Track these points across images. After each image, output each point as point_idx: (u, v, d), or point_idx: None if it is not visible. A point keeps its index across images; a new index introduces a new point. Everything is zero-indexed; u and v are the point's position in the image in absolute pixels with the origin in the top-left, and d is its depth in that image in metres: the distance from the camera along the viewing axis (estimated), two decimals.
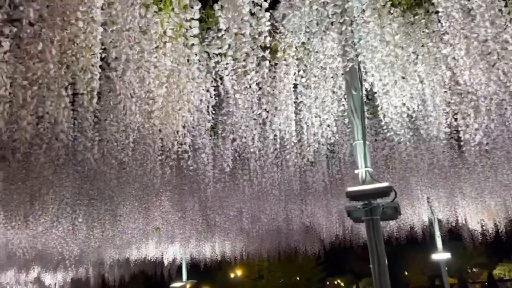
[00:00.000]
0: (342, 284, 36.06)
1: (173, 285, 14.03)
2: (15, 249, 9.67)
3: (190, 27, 3.49)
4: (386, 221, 4.51)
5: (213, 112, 4.59)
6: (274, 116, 4.41)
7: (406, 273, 31.35)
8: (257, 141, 4.89)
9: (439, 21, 3.66)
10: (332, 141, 4.98)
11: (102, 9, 2.99)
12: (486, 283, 26.89)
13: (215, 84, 4.26)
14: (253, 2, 3.13)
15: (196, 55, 3.76)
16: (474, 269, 33.11)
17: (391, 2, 3.72)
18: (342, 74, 4.06)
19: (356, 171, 3.70)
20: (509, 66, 3.47)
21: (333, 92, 4.37)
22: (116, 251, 11.89)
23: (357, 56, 3.68)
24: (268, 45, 3.51)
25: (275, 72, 4.21)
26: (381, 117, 4.23)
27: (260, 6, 3.16)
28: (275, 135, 4.65)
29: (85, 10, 2.88)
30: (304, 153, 4.85)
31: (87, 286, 18.52)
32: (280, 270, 28.01)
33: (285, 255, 16.65)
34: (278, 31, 3.86)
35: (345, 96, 4.18)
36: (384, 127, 4.36)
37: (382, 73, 3.92)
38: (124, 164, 5.10)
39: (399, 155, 6.24)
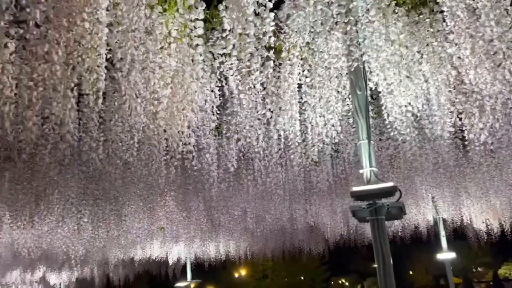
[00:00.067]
0: (347, 283, 35.97)
1: (177, 284, 14.08)
2: (21, 249, 9.72)
3: (195, 27, 3.50)
4: (391, 220, 4.50)
5: (218, 112, 4.60)
6: (279, 116, 4.42)
7: (411, 272, 31.24)
8: (262, 141, 4.89)
9: (444, 21, 3.66)
10: (336, 140, 4.99)
11: (107, 10, 3.00)
12: (491, 283, 26.79)
13: (219, 84, 4.27)
14: (257, 2, 3.12)
15: (200, 55, 3.76)
16: (479, 269, 32.97)
17: (395, 2, 3.71)
18: (347, 73, 4.06)
19: (360, 171, 3.70)
20: None
21: (338, 91, 4.37)
22: (121, 250, 11.92)
23: (361, 55, 3.68)
24: (272, 45, 3.50)
25: (279, 72, 4.21)
26: (386, 116, 4.23)
27: (265, 6, 3.15)
28: (280, 135, 4.66)
29: (90, 11, 2.89)
30: (308, 153, 4.85)
31: (92, 286, 18.57)
32: (285, 269, 27.96)
33: (289, 255, 16.64)
34: (282, 31, 3.86)
35: (350, 96, 4.18)
36: (389, 126, 4.36)
37: (387, 72, 3.91)
38: (129, 164, 5.13)
39: (403, 155, 6.23)
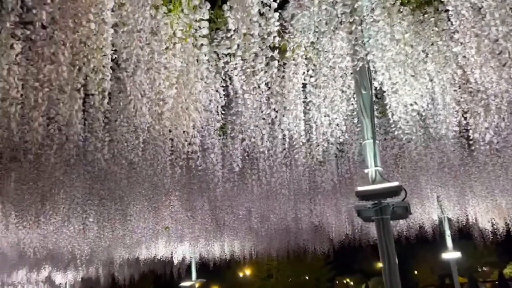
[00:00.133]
0: (351, 283, 35.94)
1: (182, 284, 14.11)
2: (27, 249, 9.77)
3: (200, 27, 3.50)
4: (396, 220, 4.50)
5: (222, 112, 4.60)
6: (283, 116, 4.42)
7: (416, 272, 31.18)
8: (266, 141, 4.89)
9: (449, 20, 3.66)
10: (341, 140, 4.98)
11: (112, 10, 3.01)
12: (496, 282, 26.71)
13: (224, 84, 4.27)
14: (262, 2, 3.13)
15: (205, 55, 3.76)
16: (485, 268, 32.87)
17: (400, 1, 3.71)
18: (351, 73, 4.05)
19: (365, 171, 3.70)
20: None
21: (342, 91, 4.37)
22: (126, 250, 11.96)
23: (366, 55, 3.67)
24: (277, 45, 3.50)
25: (284, 72, 4.22)
26: (390, 116, 4.22)
27: (269, 6, 3.16)
28: (284, 135, 4.66)
29: (96, 12, 2.90)
30: (313, 152, 4.86)
31: (98, 285, 18.65)
32: (289, 269, 27.98)
33: (294, 254, 16.65)
34: (287, 31, 3.87)
35: (355, 95, 4.17)
36: (394, 126, 4.35)
37: (392, 71, 3.90)
38: (134, 164, 5.14)
39: (408, 154, 6.22)
